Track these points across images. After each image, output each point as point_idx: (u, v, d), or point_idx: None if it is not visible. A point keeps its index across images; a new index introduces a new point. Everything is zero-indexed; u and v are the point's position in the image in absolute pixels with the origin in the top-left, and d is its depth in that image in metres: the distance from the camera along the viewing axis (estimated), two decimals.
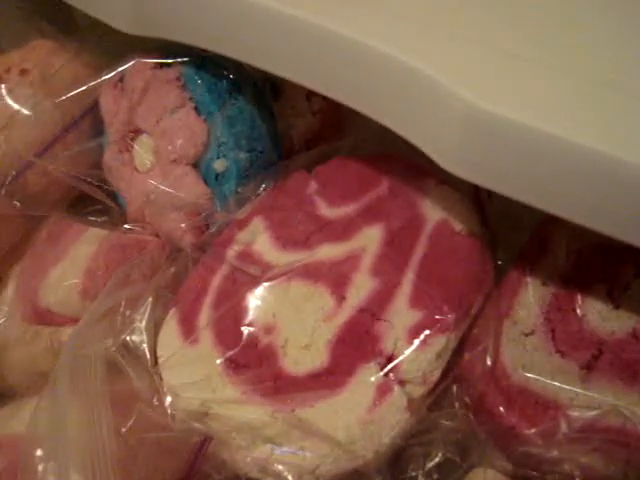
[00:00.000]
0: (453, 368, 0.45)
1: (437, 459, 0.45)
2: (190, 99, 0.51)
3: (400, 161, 0.51)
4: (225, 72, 0.51)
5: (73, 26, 0.65)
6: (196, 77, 0.51)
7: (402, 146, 0.48)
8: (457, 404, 0.45)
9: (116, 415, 0.41)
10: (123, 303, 0.48)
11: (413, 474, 0.45)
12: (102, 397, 0.40)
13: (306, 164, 0.53)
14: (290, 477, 0.42)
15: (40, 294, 0.50)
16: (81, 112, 0.56)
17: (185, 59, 0.51)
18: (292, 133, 0.55)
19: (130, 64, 0.52)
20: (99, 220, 0.55)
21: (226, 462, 0.43)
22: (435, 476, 0.44)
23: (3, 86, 0.56)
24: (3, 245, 0.53)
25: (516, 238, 0.51)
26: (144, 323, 0.47)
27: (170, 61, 0.51)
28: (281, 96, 0.55)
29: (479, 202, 0.51)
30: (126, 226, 0.54)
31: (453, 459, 0.45)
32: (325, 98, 0.55)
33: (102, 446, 0.39)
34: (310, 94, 0.57)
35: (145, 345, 0.46)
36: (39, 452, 0.39)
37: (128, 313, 0.48)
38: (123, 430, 0.41)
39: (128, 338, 0.46)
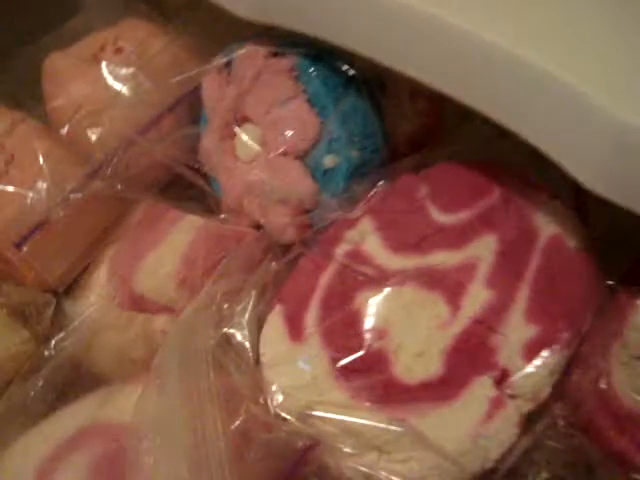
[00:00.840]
0: (559, 386, 0.43)
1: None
2: (303, 91, 0.49)
3: (511, 171, 0.49)
4: (340, 66, 0.49)
5: (166, 8, 0.63)
6: (311, 69, 0.49)
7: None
8: (562, 423, 0.43)
9: (223, 412, 0.39)
10: (219, 296, 0.46)
11: None
12: (210, 392, 0.39)
13: (413, 166, 0.51)
14: None
15: (135, 280, 0.49)
16: (180, 95, 0.55)
17: (300, 49, 0.49)
18: (397, 133, 0.53)
19: (241, 51, 0.51)
20: (193, 207, 0.53)
21: (329, 467, 0.42)
22: None
23: (104, 65, 0.54)
24: (97, 227, 0.52)
25: (624, 257, 0.49)
26: (246, 318, 0.45)
27: (285, 50, 0.49)
28: (385, 95, 0.54)
29: (585, 220, 0.50)
30: (222, 216, 0.52)
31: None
32: (429, 100, 0.54)
33: (211, 443, 0.38)
34: (413, 95, 0.55)
35: (247, 341, 0.44)
36: (148, 444, 0.37)
37: (226, 306, 0.46)
38: (231, 428, 0.39)
39: (229, 332, 0.45)
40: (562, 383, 0.44)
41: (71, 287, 0.52)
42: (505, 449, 0.42)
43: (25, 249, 0.48)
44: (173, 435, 0.38)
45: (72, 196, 0.48)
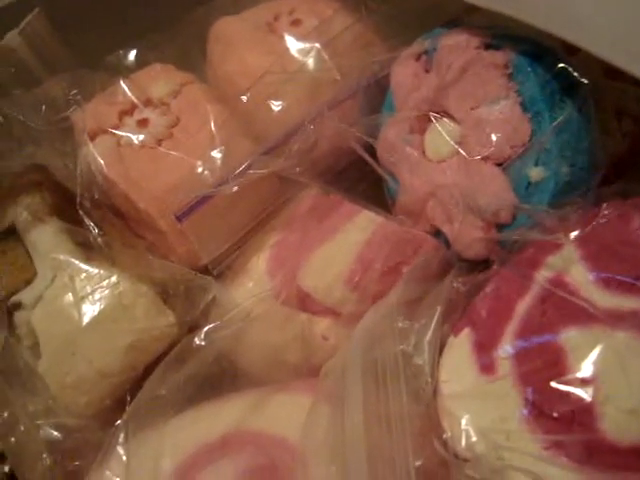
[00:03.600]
0: None
1: None
2: (516, 92, 0.43)
3: None
4: (561, 69, 0.43)
5: None
6: (528, 68, 0.43)
7: None
8: None
9: (414, 445, 0.33)
10: (396, 306, 0.40)
11: None
12: (403, 418, 0.33)
13: (620, 193, 0.44)
14: None
15: (301, 275, 0.43)
16: (365, 79, 0.49)
17: (518, 45, 0.43)
18: (602, 153, 0.46)
19: (448, 38, 0.45)
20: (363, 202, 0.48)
21: None
22: None
23: (286, 36, 0.49)
24: (262, 209, 0.47)
25: None
26: (428, 338, 0.39)
27: (501, 43, 0.43)
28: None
29: None
30: (399, 217, 0.46)
31: None
32: (636, 121, 0.47)
33: (404, 478, 0.32)
34: (619, 113, 0.48)
35: (428, 365, 0.39)
36: (318, 472, 0.32)
37: (403, 319, 0.40)
38: (417, 465, 0.33)
39: (406, 351, 0.39)
40: None
41: (223, 272, 0.46)
42: None
43: (184, 222, 0.43)
44: (352, 466, 0.32)
45: (251, 172, 0.42)
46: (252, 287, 0.46)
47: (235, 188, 0.43)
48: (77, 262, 0.46)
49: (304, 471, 0.34)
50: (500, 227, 0.44)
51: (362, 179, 0.50)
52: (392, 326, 0.40)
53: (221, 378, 0.43)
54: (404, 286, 0.43)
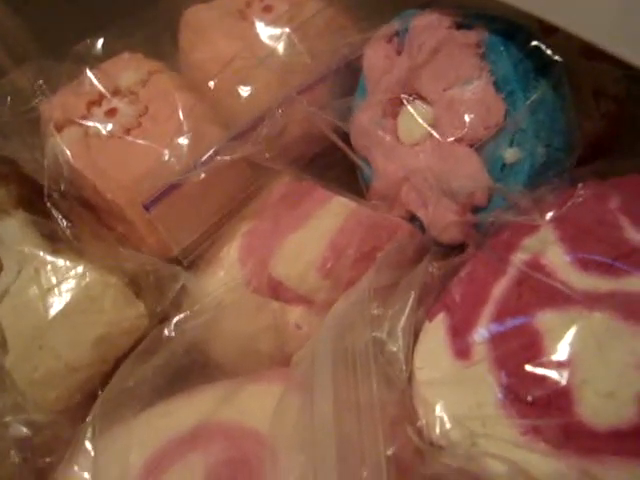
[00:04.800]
0: None
1: None
2: (489, 71, 0.42)
3: None
4: (534, 48, 0.42)
5: None
6: (501, 47, 0.42)
7: None
8: None
9: (384, 433, 0.32)
10: (370, 294, 0.39)
11: None
12: (373, 406, 0.32)
13: (597, 173, 0.43)
14: None
15: (272, 263, 0.42)
16: (336, 63, 0.48)
17: (491, 24, 0.42)
18: (579, 134, 0.45)
19: (419, 18, 0.44)
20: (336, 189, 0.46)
21: None
22: None
23: (256, 21, 0.48)
24: (232, 197, 0.46)
25: None
26: (402, 324, 0.38)
27: (473, 22, 0.42)
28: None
29: None
30: (373, 202, 0.45)
31: None
32: (614, 101, 0.46)
33: (370, 471, 0.31)
34: (597, 94, 0.47)
35: (402, 352, 0.38)
36: (287, 463, 0.31)
37: (376, 306, 0.39)
38: (388, 453, 0.32)
39: (380, 338, 0.38)
40: None
41: (195, 262, 0.45)
42: None
43: (153, 212, 0.42)
44: (322, 455, 0.31)
45: (218, 158, 0.41)
46: (223, 276, 0.44)
47: (203, 175, 0.42)
48: (43, 254, 0.45)
49: (273, 461, 0.32)
50: (475, 210, 0.43)
51: (335, 165, 0.49)
52: (364, 313, 0.39)
53: (192, 370, 0.42)
54: (377, 272, 0.42)
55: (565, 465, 0.34)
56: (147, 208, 0.43)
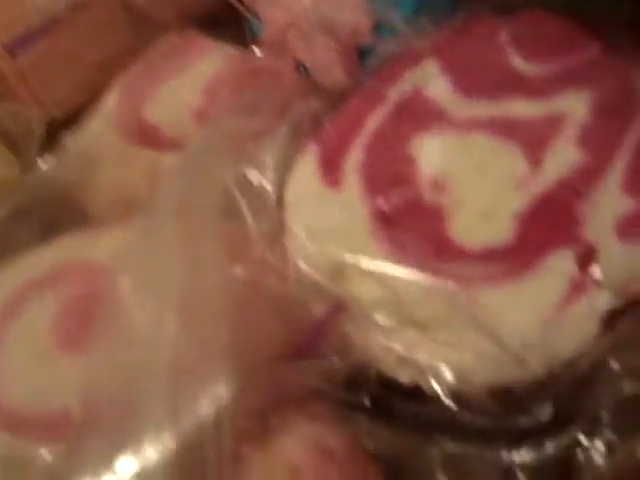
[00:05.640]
0: None
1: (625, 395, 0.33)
2: None
3: (613, 28, 0.39)
4: None
5: None
6: None
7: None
8: None
9: (228, 258, 0.30)
10: (246, 135, 0.37)
11: (590, 412, 0.32)
12: (214, 234, 0.30)
13: (489, 8, 0.41)
14: (437, 376, 0.31)
15: (148, 108, 0.41)
16: None
17: None
18: None
19: None
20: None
21: (355, 345, 0.32)
22: (622, 417, 0.32)
23: None
24: (109, 50, 0.43)
25: None
26: (272, 159, 0.36)
27: None
28: None
29: None
30: (260, 53, 0.43)
31: None
32: None
33: (205, 289, 0.28)
34: None
35: (270, 183, 0.35)
36: (127, 284, 0.29)
37: (251, 146, 0.37)
38: (233, 275, 0.30)
39: (250, 172, 0.36)
40: None
41: (77, 118, 0.43)
42: (579, 350, 0.32)
43: (21, 59, 0.39)
44: (161, 277, 0.29)
45: None
46: (100, 126, 0.42)
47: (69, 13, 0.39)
48: None
49: (114, 284, 0.30)
50: (360, 53, 0.41)
51: (226, 23, 0.46)
52: (238, 149, 0.37)
53: (69, 220, 0.40)
54: (257, 116, 0.39)
55: (435, 290, 0.32)
56: (11, 52, 0.40)
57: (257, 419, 0.31)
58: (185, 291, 0.30)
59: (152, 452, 0.27)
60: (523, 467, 0.33)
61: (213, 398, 0.28)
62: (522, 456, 0.33)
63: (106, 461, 0.27)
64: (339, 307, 0.33)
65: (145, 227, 0.33)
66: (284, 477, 0.29)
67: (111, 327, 0.30)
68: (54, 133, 0.42)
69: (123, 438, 0.27)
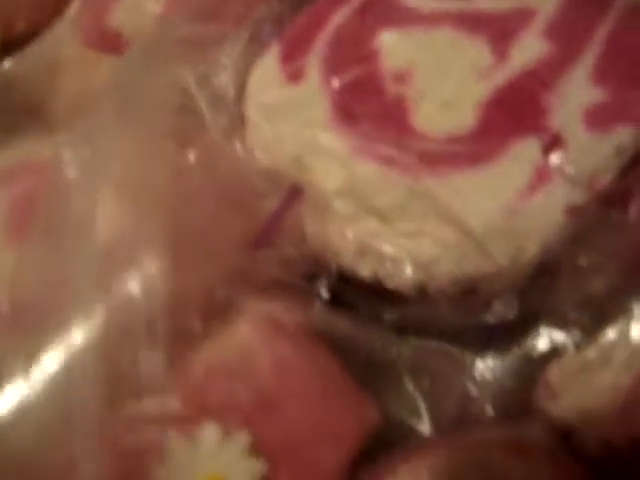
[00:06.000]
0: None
1: (592, 290, 0.31)
2: None
3: None
4: None
5: None
6: None
7: None
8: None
9: (180, 151, 0.29)
10: (208, 39, 0.36)
11: (559, 307, 0.31)
12: (166, 127, 0.29)
13: None
14: (398, 266, 0.30)
15: (111, 14, 0.39)
16: None
17: None
18: None
19: None
20: None
21: (314, 235, 0.32)
22: (590, 312, 0.31)
23: None
24: None
25: None
26: (233, 60, 0.35)
27: None
28: None
29: None
30: None
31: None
32: None
33: (151, 178, 0.28)
34: None
35: (230, 83, 0.34)
36: (72, 173, 0.28)
37: (213, 49, 0.36)
38: (184, 162, 0.29)
39: (211, 74, 0.35)
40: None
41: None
42: (544, 242, 0.31)
43: None
44: (105, 167, 0.28)
45: None
46: (60, 32, 0.41)
47: None
48: None
49: (60, 175, 0.30)
50: None
51: None
52: (195, 51, 0.36)
53: (26, 125, 0.39)
54: (216, 21, 0.38)
55: (396, 178, 0.31)
56: None
57: (214, 307, 0.30)
58: (127, 174, 0.29)
59: (80, 336, 0.27)
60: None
61: (146, 279, 0.27)
62: (487, 362, 0.32)
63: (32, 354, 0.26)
64: (296, 195, 0.32)
65: (92, 121, 0.32)
66: (234, 356, 0.28)
67: (50, 216, 0.29)
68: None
69: (50, 324, 0.26)
